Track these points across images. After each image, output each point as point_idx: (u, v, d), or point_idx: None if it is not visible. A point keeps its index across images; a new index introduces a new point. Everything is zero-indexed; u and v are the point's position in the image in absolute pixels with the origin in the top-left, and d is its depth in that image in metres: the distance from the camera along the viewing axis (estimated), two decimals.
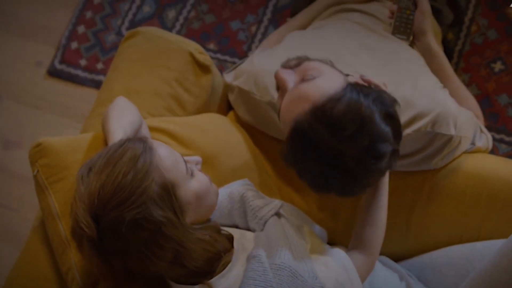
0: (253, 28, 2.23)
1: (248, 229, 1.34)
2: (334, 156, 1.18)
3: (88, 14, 2.38)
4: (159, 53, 1.62)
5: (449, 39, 2.03)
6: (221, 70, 2.13)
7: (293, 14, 1.91)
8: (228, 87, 1.65)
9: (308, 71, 1.26)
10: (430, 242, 1.53)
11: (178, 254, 1.14)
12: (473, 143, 1.54)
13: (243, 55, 2.19)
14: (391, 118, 1.21)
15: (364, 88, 1.22)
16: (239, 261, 1.21)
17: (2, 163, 2.29)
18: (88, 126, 1.58)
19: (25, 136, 2.30)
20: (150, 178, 1.12)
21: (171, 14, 2.31)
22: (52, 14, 2.43)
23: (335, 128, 1.16)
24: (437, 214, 1.51)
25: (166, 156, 1.18)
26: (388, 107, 1.21)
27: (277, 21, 2.21)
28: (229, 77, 1.64)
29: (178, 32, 2.27)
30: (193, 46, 1.64)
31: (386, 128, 1.19)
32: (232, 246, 1.24)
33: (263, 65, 1.52)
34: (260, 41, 2.19)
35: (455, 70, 1.67)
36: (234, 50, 2.22)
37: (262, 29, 2.22)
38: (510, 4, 2.05)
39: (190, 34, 2.26)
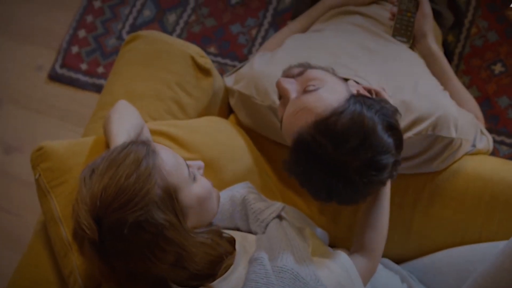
0: (254, 32, 2.23)
1: (250, 232, 1.35)
2: (337, 167, 1.18)
3: (89, 18, 2.39)
4: (160, 57, 1.62)
5: (449, 41, 2.04)
6: (222, 73, 2.13)
7: (294, 17, 1.91)
8: (228, 91, 1.65)
9: (310, 81, 1.26)
10: (432, 244, 1.53)
11: (179, 257, 1.14)
12: (473, 145, 1.54)
13: (243, 59, 2.19)
14: (393, 129, 1.21)
15: (367, 100, 1.22)
16: (241, 264, 1.21)
17: (3, 168, 2.29)
18: (89, 129, 1.59)
19: (26, 140, 2.30)
20: (152, 181, 1.12)
21: (171, 18, 2.31)
22: (53, 18, 2.44)
23: (339, 141, 1.17)
24: (438, 216, 1.51)
25: (169, 159, 1.18)
26: (390, 118, 1.21)
27: (277, 25, 2.22)
28: (229, 81, 1.64)
29: (179, 36, 2.27)
30: (194, 50, 1.64)
31: (388, 140, 1.19)
32: (234, 249, 1.24)
33: (263, 69, 1.52)
34: (261, 44, 2.19)
35: (456, 72, 1.67)
36: (235, 53, 2.22)
37: (262, 33, 2.22)
38: (510, 6, 2.05)
39: (191, 38, 2.26)
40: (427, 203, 1.51)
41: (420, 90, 1.44)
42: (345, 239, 1.54)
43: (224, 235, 1.27)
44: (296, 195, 1.58)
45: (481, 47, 2.04)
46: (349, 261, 1.26)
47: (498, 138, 1.94)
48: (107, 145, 1.33)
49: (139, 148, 1.16)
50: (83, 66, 2.33)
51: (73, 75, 2.33)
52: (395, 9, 1.62)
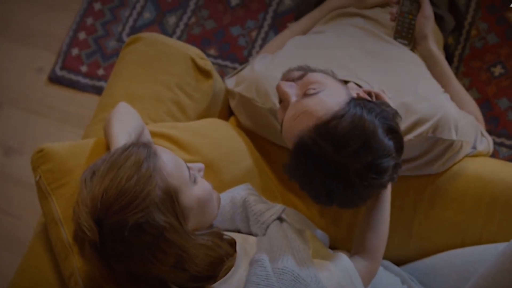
0: (254, 34, 2.23)
1: (251, 234, 1.35)
2: (338, 171, 1.18)
3: (89, 21, 2.39)
4: (160, 59, 1.63)
5: (449, 43, 2.04)
6: (222, 75, 2.13)
7: (297, 18, 1.91)
8: (229, 93, 1.65)
9: (310, 85, 1.27)
10: (432, 246, 1.53)
11: (180, 258, 1.14)
12: (474, 147, 1.54)
13: (243, 61, 2.19)
14: (394, 132, 1.21)
15: (367, 103, 1.22)
16: (242, 266, 1.21)
17: (3, 169, 2.29)
18: (90, 131, 1.59)
19: (26, 142, 2.30)
20: (153, 183, 1.12)
21: (171, 20, 2.32)
22: (53, 20, 2.44)
23: (339, 144, 1.17)
24: (438, 218, 1.51)
25: (170, 161, 1.18)
26: (390, 121, 1.21)
27: (277, 27, 2.22)
28: (230, 83, 1.64)
29: (179, 38, 2.27)
30: (194, 52, 1.65)
31: (389, 143, 1.20)
32: (235, 251, 1.24)
33: (264, 71, 1.52)
34: (261, 46, 2.20)
35: (455, 74, 1.68)
36: (235, 55, 2.22)
37: (262, 35, 2.22)
38: (509, 7, 2.05)
39: (191, 40, 2.27)
40: (427, 205, 1.51)
41: (421, 92, 1.44)
42: (346, 241, 1.54)
43: (225, 237, 1.27)
44: (297, 197, 1.58)
45: (481, 49, 2.04)
46: (349, 263, 1.26)
47: (498, 140, 1.94)
48: (108, 147, 1.33)
49: (140, 150, 1.17)
50: (83, 68, 2.33)
51: (73, 77, 2.33)
52: (394, 10, 1.62)
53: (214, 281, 1.18)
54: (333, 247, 1.52)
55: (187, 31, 2.29)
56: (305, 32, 1.76)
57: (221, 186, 1.41)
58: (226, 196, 1.38)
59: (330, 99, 1.23)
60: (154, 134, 1.46)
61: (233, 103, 1.62)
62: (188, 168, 1.23)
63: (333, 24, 1.70)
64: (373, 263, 1.32)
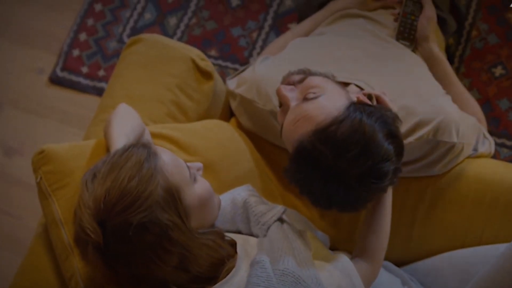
0: (254, 35, 2.23)
1: (251, 235, 1.34)
2: (337, 176, 1.19)
3: (90, 22, 2.39)
4: (161, 60, 1.63)
5: (450, 44, 2.04)
6: (223, 76, 2.13)
7: (300, 20, 1.91)
8: (230, 94, 1.65)
9: (310, 89, 1.27)
10: (433, 247, 1.53)
11: (183, 258, 1.15)
12: (475, 149, 1.54)
13: (244, 62, 2.20)
14: (394, 136, 1.21)
15: (367, 107, 1.23)
16: (243, 267, 1.21)
17: (4, 170, 2.29)
18: (91, 132, 1.59)
19: (26, 143, 2.30)
20: (155, 182, 1.13)
21: (172, 21, 2.32)
22: (54, 21, 2.44)
23: (339, 149, 1.17)
24: (439, 219, 1.51)
25: (170, 161, 1.19)
26: (390, 126, 1.21)
27: (278, 27, 2.22)
28: (231, 84, 1.64)
29: (180, 39, 2.27)
30: (195, 53, 1.65)
31: (389, 148, 1.20)
32: (236, 252, 1.24)
33: (265, 73, 1.52)
34: (262, 47, 2.20)
35: (456, 75, 1.68)
36: (235, 56, 2.22)
37: (263, 36, 2.22)
38: (509, 7, 2.05)
39: (191, 41, 2.27)
40: (428, 206, 1.51)
41: (422, 94, 1.44)
42: (346, 242, 1.54)
43: (226, 238, 1.27)
44: (297, 198, 1.58)
45: (482, 50, 2.04)
46: (350, 264, 1.27)
47: (499, 141, 1.94)
48: (108, 149, 1.33)
49: (140, 150, 1.17)
50: (84, 69, 2.33)
51: (74, 78, 2.33)
52: (397, 11, 1.62)
53: (215, 282, 1.18)
54: (334, 248, 1.51)
55: (188, 32, 2.29)
56: (307, 33, 1.76)
57: (221, 187, 1.41)
58: (227, 197, 1.38)
59: (330, 103, 1.23)
60: (154, 135, 1.46)
61: (234, 105, 1.62)
62: (188, 167, 1.23)
63: (335, 26, 1.70)
64: (374, 265, 1.32)
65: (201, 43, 2.26)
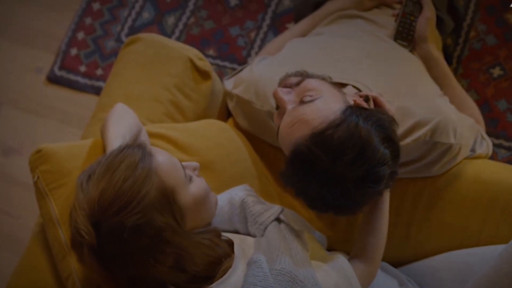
0: (253, 34, 2.23)
1: (249, 235, 1.34)
2: (333, 179, 1.19)
3: (88, 21, 2.39)
4: (159, 59, 1.63)
5: (448, 45, 2.04)
6: (221, 76, 2.13)
7: (297, 20, 1.91)
8: (227, 95, 1.65)
9: (307, 92, 1.26)
10: (430, 248, 1.53)
11: (179, 258, 1.15)
12: (473, 150, 1.54)
13: (242, 61, 2.19)
14: (390, 140, 1.22)
15: (363, 111, 1.22)
16: (240, 267, 1.21)
17: (3, 170, 2.29)
18: (89, 132, 1.59)
19: (25, 142, 2.30)
20: (149, 183, 1.13)
21: (170, 20, 2.32)
22: (52, 20, 2.43)
23: (335, 153, 1.17)
24: (437, 220, 1.51)
25: (165, 162, 1.18)
26: (386, 130, 1.22)
27: (276, 27, 2.22)
28: (228, 84, 1.64)
29: (178, 39, 2.27)
30: (193, 52, 1.65)
31: (385, 151, 1.20)
32: (233, 252, 1.24)
33: (263, 73, 1.52)
34: (260, 47, 2.20)
35: (454, 75, 1.68)
36: (234, 56, 2.22)
37: (261, 35, 2.22)
38: (508, 8, 2.05)
39: (190, 40, 2.26)
40: (426, 207, 1.51)
41: (419, 95, 1.44)
42: (343, 242, 1.54)
43: (223, 237, 1.27)
44: (295, 198, 1.57)
45: (480, 51, 2.04)
46: (348, 264, 1.27)
47: (497, 141, 1.94)
48: (104, 149, 1.33)
49: (135, 151, 1.17)
50: (82, 68, 2.33)
51: (72, 77, 2.33)
52: (396, 11, 1.62)
53: (211, 282, 1.18)
54: (331, 248, 1.51)
55: (186, 31, 2.29)
56: (305, 34, 1.76)
57: (219, 186, 1.41)
58: (224, 197, 1.38)
59: (326, 107, 1.23)
60: (152, 134, 1.46)
61: (231, 105, 1.62)
62: (183, 167, 1.23)
63: (333, 26, 1.69)
64: (372, 266, 1.32)
65: (199, 42, 2.26)
